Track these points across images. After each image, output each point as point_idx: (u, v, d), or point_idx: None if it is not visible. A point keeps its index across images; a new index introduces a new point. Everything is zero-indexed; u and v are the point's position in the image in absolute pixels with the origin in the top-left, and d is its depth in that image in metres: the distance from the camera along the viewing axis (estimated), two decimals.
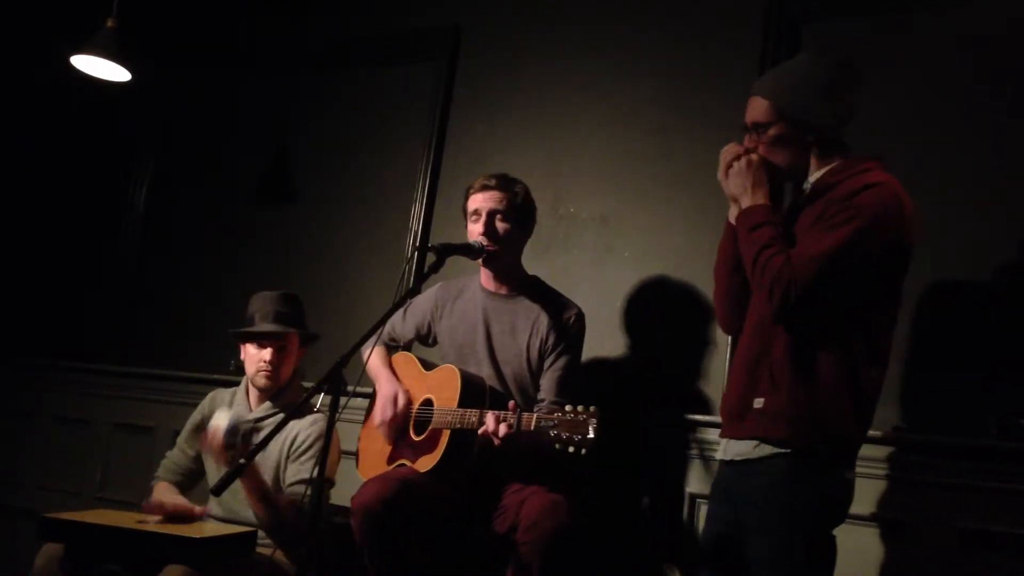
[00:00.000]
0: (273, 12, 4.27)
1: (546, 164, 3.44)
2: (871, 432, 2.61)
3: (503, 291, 2.83)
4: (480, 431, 2.43)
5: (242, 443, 2.59)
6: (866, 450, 2.61)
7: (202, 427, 2.95)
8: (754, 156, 2.18)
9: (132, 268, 4.36)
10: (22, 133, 4.64)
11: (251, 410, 2.90)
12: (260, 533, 2.67)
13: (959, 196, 2.75)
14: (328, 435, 2.06)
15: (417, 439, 2.66)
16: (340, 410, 2.10)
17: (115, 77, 3.81)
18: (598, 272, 3.28)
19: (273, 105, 4.18)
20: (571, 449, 2.17)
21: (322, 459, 2.08)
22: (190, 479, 2.96)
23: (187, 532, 2.49)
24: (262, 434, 2.65)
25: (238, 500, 2.71)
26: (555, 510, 2.45)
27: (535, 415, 2.30)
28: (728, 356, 2.89)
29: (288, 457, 2.78)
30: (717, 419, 2.37)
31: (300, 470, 2.73)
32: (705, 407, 2.96)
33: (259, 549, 2.65)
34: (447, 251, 2.51)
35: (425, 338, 2.96)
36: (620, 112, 3.37)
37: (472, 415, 2.49)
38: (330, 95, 4.06)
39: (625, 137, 3.34)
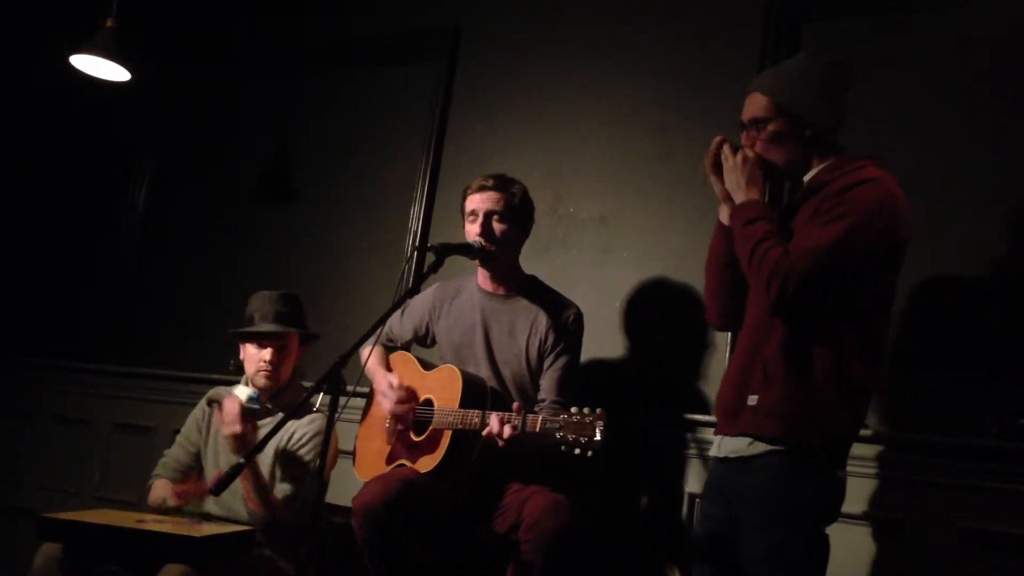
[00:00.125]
0: (273, 12, 4.27)
1: (546, 164, 3.44)
2: (871, 432, 2.63)
3: (501, 291, 2.82)
4: (484, 432, 2.43)
5: (260, 414, 2.65)
6: (866, 450, 2.62)
7: (201, 425, 2.96)
8: (749, 152, 2.19)
9: (132, 268, 4.36)
10: (22, 133, 4.64)
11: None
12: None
13: (959, 196, 2.75)
14: (327, 435, 2.06)
15: (417, 439, 2.66)
16: (340, 410, 2.10)
17: (115, 77, 3.81)
18: (597, 272, 3.28)
19: (273, 105, 4.18)
20: (577, 451, 2.17)
21: (322, 457, 2.07)
22: (189, 477, 2.95)
23: (186, 532, 2.49)
24: (261, 433, 2.65)
25: (237, 499, 2.72)
26: (558, 509, 2.45)
27: (540, 416, 2.29)
28: (727, 356, 2.88)
29: (284, 451, 2.79)
30: (715, 419, 2.37)
31: (294, 464, 2.74)
32: (704, 407, 2.95)
33: (259, 550, 2.65)
34: (446, 251, 2.51)
35: (423, 339, 2.96)
36: (620, 112, 3.37)
37: (474, 416, 2.49)
38: (330, 95, 4.06)
39: (625, 137, 3.34)
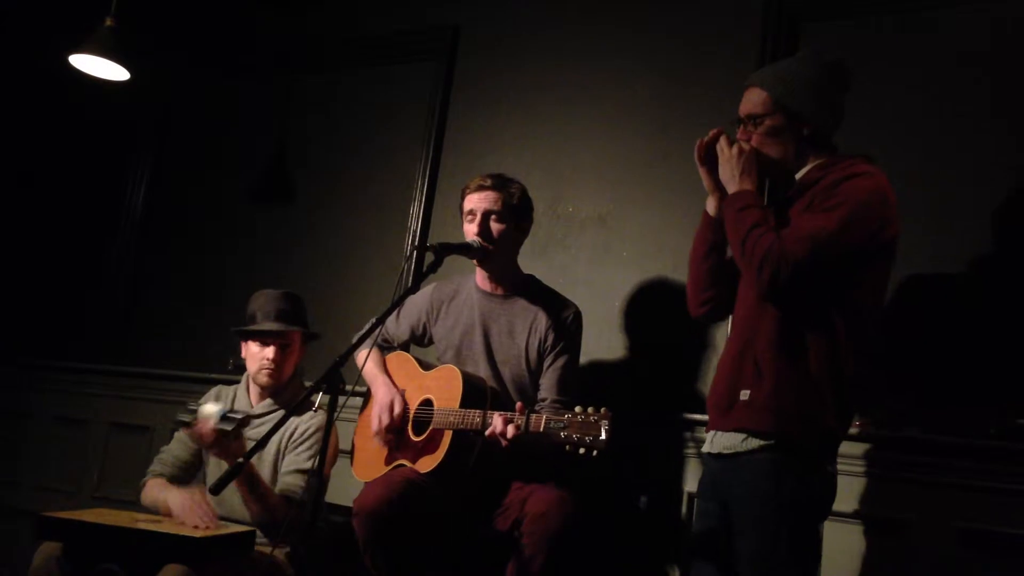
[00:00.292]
0: (273, 12, 4.27)
1: (545, 164, 3.44)
2: (871, 431, 2.62)
3: (499, 292, 2.82)
4: (487, 432, 2.42)
5: (235, 432, 2.59)
6: (865, 450, 2.62)
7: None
8: (746, 146, 2.21)
9: (131, 268, 4.36)
10: (21, 133, 4.63)
11: (252, 407, 2.90)
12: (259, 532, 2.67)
13: (959, 195, 2.75)
14: (327, 434, 2.06)
15: (417, 439, 2.66)
16: (339, 409, 2.10)
17: (114, 76, 3.81)
18: (597, 272, 3.28)
19: (273, 105, 4.18)
20: (582, 451, 2.16)
21: (321, 454, 2.07)
22: (187, 472, 2.94)
23: (186, 531, 2.49)
24: (261, 431, 2.65)
25: (237, 499, 2.71)
26: (561, 504, 2.45)
27: (544, 416, 2.29)
28: None
29: (286, 448, 2.79)
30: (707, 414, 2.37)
31: (295, 460, 2.74)
32: (703, 407, 2.93)
33: (258, 547, 2.65)
34: (445, 250, 2.50)
35: (420, 339, 2.96)
36: (619, 112, 3.37)
37: (475, 416, 2.48)
38: (330, 95, 4.06)
39: (624, 137, 3.34)
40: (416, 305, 2.92)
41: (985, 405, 2.57)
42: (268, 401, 2.88)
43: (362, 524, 2.48)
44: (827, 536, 2.58)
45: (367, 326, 2.90)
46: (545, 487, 2.52)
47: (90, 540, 2.45)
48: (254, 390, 2.92)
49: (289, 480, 2.72)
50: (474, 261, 2.79)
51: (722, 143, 2.24)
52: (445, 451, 2.54)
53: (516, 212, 2.78)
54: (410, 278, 3.11)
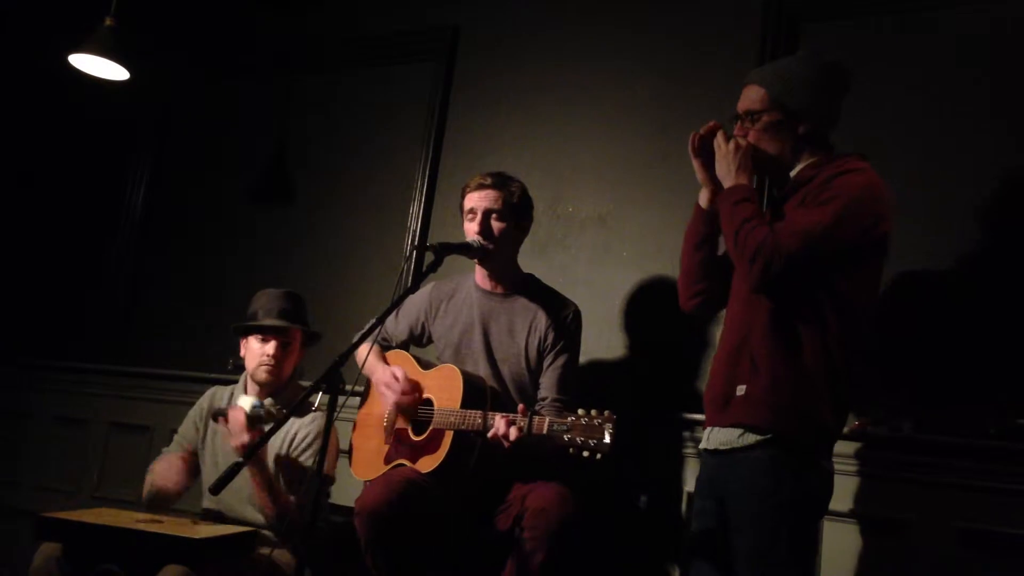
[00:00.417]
0: (273, 12, 4.27)
1: (545, 164, 3.44)
2: (871, 431, 2.62)
3: (499, 291, 2.82)
4: (489, 434, 2.42)
5: (260, 427, 2.62)
6: (865, 450, 2.62)
7: (198, 424, 2.95)
8: (742, 142, 2.23)
9: (131, 268, 4.36)
10: (21, 133, 4.63)
11: None
12: (260, 532, 2.67)
13: (959, 195, 2.75)
14: (326, 434, 2.06)
15: (417, 439, 2.66)
16: (339, 409, 2.10)
17: (114, 76, 3.81)
18: (596, 272, 3.28)
19: (273, 105, 4.18)
20: (586, 453, 2.16)
21: (320, 457, 2.07)
22: (192, 463, 2.95)
23: (186, 532, 2.49)
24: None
25: (237, 499, 2.71)
26: (562, 500, 2.45)
27: (547, 419, 2.28)
28: None
29: (288, 455, 2.78)
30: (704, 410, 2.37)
31: (298, 468, 2.73)
32: (703, 406, 2.95)
33: (258, 548, 2.65)
34: (445, 250, 2.50)
35: (419, 338, 2.96)
36: (619, 112, 3.37)
37: (476, 416, 2.48)
38: (330, 95, 4.06)
39: (624, 137, 3.34)
40: (415, 304, 2.92)
41: (984, 404, 2.57)
42: (268, 401, 2.88)
43: (363, 524, 2.48)
44: (827, 536, 2.59)
45: (367, 326, 2.90)
46: (546, 484, 2.52)
47: (90, 540, 2.45)
48: (252, 389, 2.91)
49: (295, 488, 2.70)
50: (474, 260, 2.79)
51: (719, 139, 2.25)
52: (446, 451, 2.54)
53: (517, 211, 2.78)
54: (410, 278, 3.11)
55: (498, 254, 2.76)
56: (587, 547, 2.75)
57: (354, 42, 4.04)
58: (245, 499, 2.72)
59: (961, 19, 2.87)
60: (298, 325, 2.89)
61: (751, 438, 2.08)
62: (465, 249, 2.69)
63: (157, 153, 4.45)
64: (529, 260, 2.94)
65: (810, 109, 2.21)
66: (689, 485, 2.89)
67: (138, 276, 4.35)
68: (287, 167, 4.09)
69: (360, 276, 3.76)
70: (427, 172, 3.70)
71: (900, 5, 2.98)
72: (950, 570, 2.47)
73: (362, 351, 2.80)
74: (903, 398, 2.70)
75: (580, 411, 2.20)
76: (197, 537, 2.44)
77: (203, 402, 3.01)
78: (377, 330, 2.51)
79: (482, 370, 2.74)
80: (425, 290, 2.92)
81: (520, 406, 2.41)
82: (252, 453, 2.20)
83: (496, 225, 2.74)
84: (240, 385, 2.96)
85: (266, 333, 2.85)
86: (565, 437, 2.19)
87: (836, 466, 2.19)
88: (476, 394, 2.59)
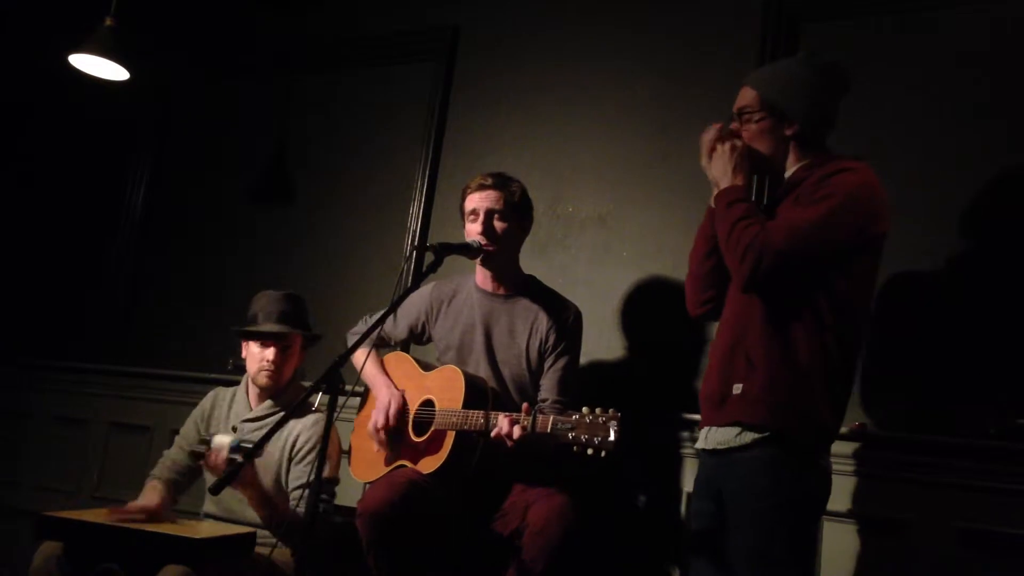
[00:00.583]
0: (273, 12, 4.27)
1: (545, 164, 3.44)
2: (871, 432, 2.62)
3: (500, 292, 2.82)
4: (492, 434, 2.42)
5: (247, 462, 2.58)
6: (864, 450, 2.62)
7: (200, 426, 2.96)
8: (738, 142, 2.24)
9: (131, 268, 4.36)
10: (21, 133, 4.63)
11: (251, 409, 2.90)
12: (260, 532, 2.67)
13: (959, 195, 2.75)
14: (326, 434, 2.06)
15: (418, 440, 2.65)
16: (339, 409, 2.10)
17: (114, 76, 3.81)
18: (596, 272, 3.28)
19: (273, 105, 4.18)
20: (590, 451, 2.17)
21: (320, 460, 2.07)
22: (188, 478, 2.94)
23: (186, 532, 2.49)
24: (260, 433, 2.64)
25: (237, 500, 2.71)
26: (563, 514, 2.45)
27: (551, 417, 2.29)
28: None
29: (291, 459, 2.78)
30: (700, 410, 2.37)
31: (303, 472, 2.73)
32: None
33: (258, 549, 2.65)
34: (445, 250, 2.50)
35: (419, 337, 2.96)
36: (619, 112, 3.37)
37: (477, 416, 2.48)
38: (329, 95, 4.06)
39: (624, 137, 3.34)
40: (415, 304, 2.92)
41: (984, 404, 2.57)
42: (268, 403, 2.88)
43: (365, 525, 2.48)
44: (827, 536, 2.59)
45: (360, 324, 2.90)
46: (546, 494, 2.51)
47: (90, 540, 2.45)
48: (253, 391, 2.92)
49: (298, 495, 2.70)
50: (475, 261, 2.79)
51: (710, 137, 2.28)
52: (448, 452, 2.54)
53: (518, 211, 2.78)
54: (410, 278, 3.11)
55: (500, 254, 2.76)
56: (587, 548, 2.75)
57: (354, 42, 4.04)
58: (245, 500, 2.71)
59: (961, 19, 2.87)
60: (298, 330, 2.88)
61: (749, 436, 2.08)
62: (465, 249, 2.68)
63: (157, 153, 4.45)
64: (529, 260, 2.94)
65: (801, 110, 2.21)
66: (688, 485, 2.89)
67: (138, 276, 4.35)
68: (287, 167, 4.09)
69: (360, 276, 3.76)
70: (427, 172, 3.70)
71: (900, 5, 2.98)
72: (950, 570, 2.47)
73: (359, 355, 2.77)
74: (903, 398, 2.70)
75: (584, 409, 2.21)
76: (197, 537, 2.45)
77: (205, 403, 3.01)
78: (375, 332, 2.51)
79: (483, 371, 2.74)
80: (425, 290, 2.92)
81: (524, 405, 2.41)
82: (251, 456, 2.19)
83: (499, 225, 2.74)
84: (242, 387, 2.96)
85: (265, 339, 2.85)
86: (570, 435, 2.19)
87: (835, 466, 2.19)
88: (478, 395, 2.58)
